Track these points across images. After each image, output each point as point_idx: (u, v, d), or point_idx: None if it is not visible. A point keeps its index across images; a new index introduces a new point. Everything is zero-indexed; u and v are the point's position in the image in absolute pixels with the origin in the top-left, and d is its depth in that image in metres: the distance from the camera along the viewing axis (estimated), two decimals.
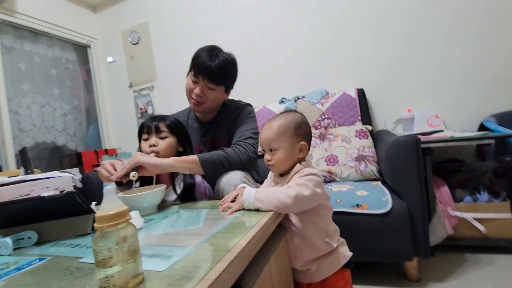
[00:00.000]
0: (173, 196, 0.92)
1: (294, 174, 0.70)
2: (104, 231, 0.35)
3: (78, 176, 1.86)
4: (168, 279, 0.37)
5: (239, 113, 1.10)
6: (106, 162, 0.88)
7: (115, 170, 0.85)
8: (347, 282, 0.74)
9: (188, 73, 1.05)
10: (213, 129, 1.13)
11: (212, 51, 0.99)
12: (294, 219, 0.71)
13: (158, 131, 0.93)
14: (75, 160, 2.41)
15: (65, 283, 0.41)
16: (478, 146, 1.58)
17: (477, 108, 1.60)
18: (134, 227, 0.39)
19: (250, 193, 0.68)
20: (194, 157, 0.89)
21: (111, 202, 0.37)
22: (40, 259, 0.53)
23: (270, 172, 0.81)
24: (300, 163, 0.73)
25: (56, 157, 2.40)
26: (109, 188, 0.37)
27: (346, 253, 0.74)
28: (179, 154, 0.97)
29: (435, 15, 1.66)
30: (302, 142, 0.72)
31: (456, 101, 1.66)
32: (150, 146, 0.91)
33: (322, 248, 0.70)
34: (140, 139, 0.97)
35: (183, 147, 0.99)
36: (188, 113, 1.21)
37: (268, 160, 0.74)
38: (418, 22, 1.70)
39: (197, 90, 1.00)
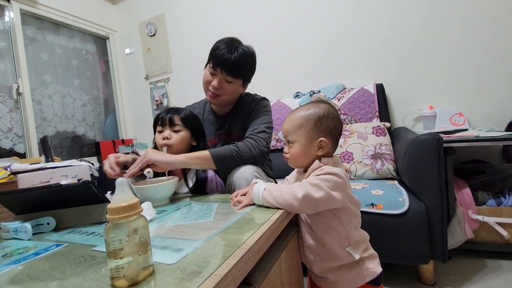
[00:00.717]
0: (185, 189, 0.93)
1: (312, 171, 0.65)
2: (116, 222, 0.36)
3: (96, 165, 1.92)
4: (178, 272, 0.37)
5: (254, 106, 1.08)
6: (110, 157, 0.89)
7: (118, 165, 0.87)
8: None
9: (206, 65, 1.03)
10: (229, 122, 1.12)
11: (232, 43, 0.97)
12: (310, 220, 0.66)
13: (172, 123, 0.93)
14: (93, 149, 2.49)
15: (79, 270, 0.42)
16: (505, 147, 1.49)
17: (506, 106, 1.50)
18: (145, 219, 0.39)
19: (259, 190, 0.65)
20: (206, 153, 0.88)
21: (123, 194, 0.37)
22: (57, 245, 0.55)
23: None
24: (320, 160, 0.66)
25: (76, 146, 2.49)
26: (121, 180, 0.37)
27: (374, 268, 0.64)
28: (192, 148, 0.97)
29: (457, 5, 1.56)
30: (322, 138, 0.65)
31: (482, 98, 1.56)
32: (164, 138, 0.91)
33: (343, 257, 0.63)
34: (155, 131, 0.97)
35: (197, 141, 0.98)
36: (204, 105, 1.20)
37: (285, 153, 0.71)
38: (440, 13, 1.60)
39: (214, 83, 0.98)
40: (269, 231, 0.51)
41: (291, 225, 0.69)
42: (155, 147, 0.98)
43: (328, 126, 0.67)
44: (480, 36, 1.54)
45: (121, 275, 0.35)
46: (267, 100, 1.15)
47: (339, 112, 1.68)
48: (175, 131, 0.93)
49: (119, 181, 0.37)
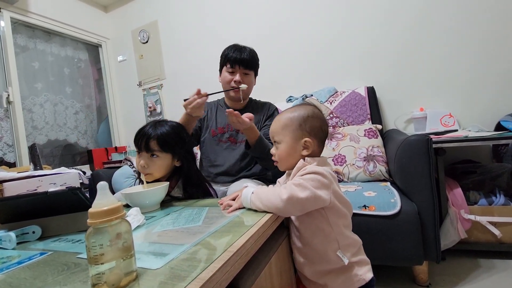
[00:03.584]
0: (178, 194, 0.91)
1: (298, 171, 0.64)
2: (97, 227, 0.35)
3: (88, 173, 1.89)
4: (161, 277, 0.37)
5: (272, 113, 1.29)
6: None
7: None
8: None
9: (221, 71, 1.24)
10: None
11: (238, 46, 1.20)
12: (297, 223, 0.65)
13: (148, 149, 0.82)
14: (86, 157, 2.47)
15: (61, 278, 0.41)
16: (495, 146, 1.51)
17: (494, 107, 1.53)
18: (129, 224, 0.39)
19: (247, 194, 0.65)
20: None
21: (104, 198, 0.36)
22: (42, 254, 0.53)
23: None
24: (304, 159, 0.66)
25: (69, 155, 2.46)
26: (103, 184, 0.37)
27: (363, 275, 0.61)
28: (176, 169, 0.89)
29: (446, 10, 1.60)
30: (307, 138, 0.66)
31: (471, 100, 1.59)
32: (142, 166, 0.83)
33: (331, 261, 0.61)
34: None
35: (181, 161, 0.89)
36: (217, 102, 1.35)
37: (273, 155, 0.71)
38: (429, 17, 1.64)
39: (237, 77, 1.16)
40: (258, 234, 0.51)
41: (282, 228, 0.68)
42: None
43: (312, 127, 0.67)
44: (468, 40, 1.57)
45: (102, 281, 0.34)
46: None
47: (332, 115, 1.69)
48: (153, 155, 0.83)
49: (100, 185, 0.37)
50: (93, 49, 2.77)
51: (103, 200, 0.36)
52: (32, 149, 1.09)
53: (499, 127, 1.42)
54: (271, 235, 0.59)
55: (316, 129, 0.67)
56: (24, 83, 2.14)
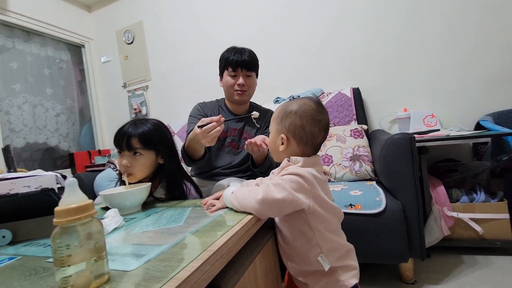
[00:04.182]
0: (160, 195, 0.88)
1: (280, 171, 0.62)
2: (64, 226, 0.33)
3: (69, 177, 1.82)
4: (135, 279, 0.35)
5: None
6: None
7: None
8: None
9: (221, 75, 1.19)
10: (243, 122, 1.23)
11: (237, 48, 1.16)
12: (280, 224, 0.63)
13: (130, 148, 0.79)
14: (68, 161, 2.38)
15: (27, 283, 0.38)
16: (475, 145, 1.56)
17: (474, 108, 1.58)
18: (100, 223, 0.36)
19: (228, 194, 0.63)
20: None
21: (73, 195, 0.34)
22: (10, 259, 0.50)
23: None
24: (289, 159, 0.62)
25: (49, 159, 2.36)
26: (71, 180, 0.34)
27: (346, 281, 0.59)
28: (160, 166, 0.87)
29: (431, 15, 1.65)
30: (282, 135, 0.63)
31: (452, 101, 1.64)
32: (125, 166, 0.80)
33: (314, 263, 0.59)
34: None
35: (164, 158, 0.86)
36: (218, 102, 1.29)
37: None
38: (414, 22, 1.69)
39: (240, 80, 1.13)
40: (240, 233, 0.49)
41: (268, 227, 0.67)
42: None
43: (292, 124, 0.62)
44: (451, 44, 1.62)
45: (69, 285, 0.32)
46: None
47: None
48: (135, 155, 0.80)
49: (69, 181, 0.34)
50: (76, 49, 2.69)
51: (72, 198, 0.34)
52: (6, 151, 1.04)
53: (478, 126, 1.47)
54: (255, 234, 0.58)
55: (295, 127, 0.62)
56: (1, 84, 2.04)
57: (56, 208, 0.33)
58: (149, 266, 0.38)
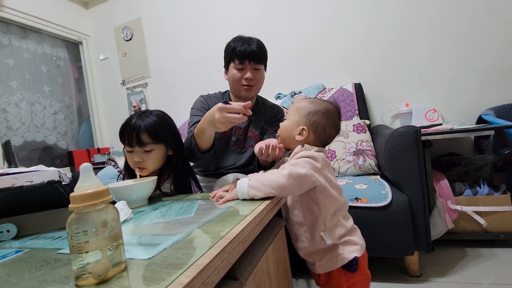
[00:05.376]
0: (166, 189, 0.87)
1: (294, 155, 0.68)
2: (80, 212, 0.32)
3: (69, 175, 1.79)
4: (153, 266, 0.34)
5: (280, 118, 1.17)
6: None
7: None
8: (351, 287, 0.66)
9: (227, 67, 1.08)
10: (248, 120, 1.10)
11: (244, 38, 1.06)
12: (292, 205, 0.69)
13: (141, 143, 0.78)
14: (66, 159, 2.35)
15: (39, 274, 0.37)
16: (476, 139, 1.57)
17: (475, 102, 1.58)
18: (116, 211, 0.35)
19: (244, 182, 0.63)
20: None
21: (88, 181, 0.33)
22: (17, 252, 0.49)
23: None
24: (302, 146, 0.70)
25: (47, 157, 2.33)
26: (86, 165, 0.33)
27: (345, 254, 0.65)
28: (169, 157, 0.86)
29: (430, 8, 1.65)
30: (303, 127, 0.70)
31: (454, 95, 1.64)
32: (136, 162, 0.79)
33: (318, 241, 0.66)
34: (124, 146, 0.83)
35: (173, 149, 0.86)
36: (222, 96, 1.19)
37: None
38: (414, 15, 1.69)
39: (248, 74, 1.03)
40: (254, 222, 0.49)
41: (278, 218, 0.66)
42: (127, 165, 0.87)
43: (316, 121, 0.70)
44: (451, 38, 1.62)
45: (87, 272, 0.31)
46: None
47: None
48: (146, 151, 0.79)
49: (83, 166, 0.33)
50: (73, 46, 2.65)
51: (87, 183, 0.33)
52: (6, 146, 1.01)
53: (480, 120, 1.47)
54: (267, 225, 0.57)
55: (318, 125, 0.70)
56: None
57: (72, 194, 0.31)
58: (166, 255, 0.37)
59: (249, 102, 0.76)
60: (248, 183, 0.62)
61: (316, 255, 0.67)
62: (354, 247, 0.67)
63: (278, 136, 0.77)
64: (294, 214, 0.68)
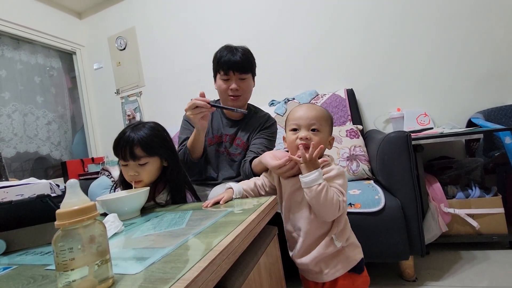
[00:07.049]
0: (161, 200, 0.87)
1: (321, 164, 0.65)
2: (66, 229, 0.32)
3: (62, 186, 1.77)
4: (141, 282, 0.34)
5: (269, 125, 1.16)
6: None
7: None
8: None
9: (215, 78, 1.11)
10: (237, 127, 1.15)
11: (230, 47, 1.07)
12: (307, 215, 0.68)
13: (134, 157, 0.78)
14: (60, 170, 2.32)
15: None
16: (467, 142, 1.59)
17: (465, 106, 1.61)
18: (103, 226, 0.35)
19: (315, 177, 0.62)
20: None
21: (74, 197, 0.33)
22: (5, 268, 0.48)
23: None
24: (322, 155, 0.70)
25: (41, 168, 2.31)
26: (72, 181, 0.33)
27: (354, 256, 0.67)
28: (164, 169, 0.86)
29: (422, 16, 1.69)
30: (332, 137, 0.72)
31: (444, 99, 1.67)
32: (132, 176, 0.80)
33: (327, 246, 0.65)
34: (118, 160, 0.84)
35: (167, 161, 0.86)
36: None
37: (307, 138, 0.65)
38: (406, 23, 1.72)
39: (233, 85, 1.04)
40: (245, 232, 0.49)
41: (270, 226, 0.66)
42: (122, 176, 0.87)
43: (331, 128, 0.73)
44: (442, 45, 1.66)
45: None
46: (276, 122, 1.23)
47: None
48: (140, 164, 0.79)
49: (70, 182, 0.33)
50: (67, 56, 2.65)
51: (73, 199, 0.33)
52: None
53: (470, 124, 1.50)
54: (258, 234, 0.57)
55: (331, 131, 0.73)
56: None
57: (58, 211, 0.32)
58: (153, 269, 0.37)
59: (202, 92, 0.91)
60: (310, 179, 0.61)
61: (323, 262, 0.66)
62: (358, 249, 0.69)
63: (285, 148, 0.77)
64: (309, 220, 0.66)
